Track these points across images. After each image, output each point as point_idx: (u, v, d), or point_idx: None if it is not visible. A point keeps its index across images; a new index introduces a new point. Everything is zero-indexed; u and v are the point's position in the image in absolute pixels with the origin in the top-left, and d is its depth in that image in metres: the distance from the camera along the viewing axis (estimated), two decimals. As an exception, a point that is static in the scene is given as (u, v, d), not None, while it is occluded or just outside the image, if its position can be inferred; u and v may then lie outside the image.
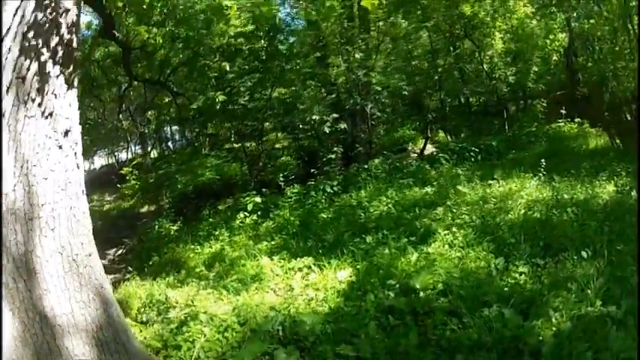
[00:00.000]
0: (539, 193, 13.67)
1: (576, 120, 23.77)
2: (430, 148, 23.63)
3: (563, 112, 23.96)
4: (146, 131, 31.79)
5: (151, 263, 14.57)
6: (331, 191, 16.68)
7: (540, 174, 14.72)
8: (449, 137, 24.61)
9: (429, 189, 15.41)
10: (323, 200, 16.12)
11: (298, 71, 20.22)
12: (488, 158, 19.74)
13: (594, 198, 13.44)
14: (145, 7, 13.62)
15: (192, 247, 14.59)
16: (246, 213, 16.00)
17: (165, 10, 16.64)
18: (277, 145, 25.19)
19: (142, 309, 9.80)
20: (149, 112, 27.12)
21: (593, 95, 24.65)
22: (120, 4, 13.66)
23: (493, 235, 10.84)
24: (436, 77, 23.93)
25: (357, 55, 20.08)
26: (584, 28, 24.99)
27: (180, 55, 20.26)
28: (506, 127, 24.45)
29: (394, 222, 12.68)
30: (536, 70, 25.25)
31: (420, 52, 25.99)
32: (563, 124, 23.79)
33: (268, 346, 7.38)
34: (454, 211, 12.81)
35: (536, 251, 10.01)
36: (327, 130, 20.05)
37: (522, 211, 12.29)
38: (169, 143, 35.55)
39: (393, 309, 8.09)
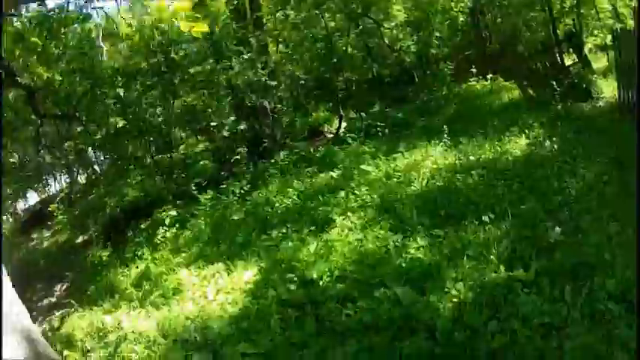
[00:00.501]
0: (445, 159, 13.44)
1: (488, 77, 22.67)
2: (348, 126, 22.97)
3: (473, 70, 23.40)
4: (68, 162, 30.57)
5: (89, 293, 13.56)
6: (241, 191, 16.11)
7: (445, 139, 14.83)
8: (361, 114, 23.44)
9: (334, 173, 14.86)
10: (235, 202, 15.57)
11: (194, 79, 19.65)
12: (396, 130, 18.94)
13: (503, 155, 13.07)
14: (39, 49, 14.89)
15: (121, 270, 13.94)
16: (165, 228, 15.34)
17: (59, 49, 17.32)
18: (197, 150, 25.15)
19: (84, 339, 9.82)
20: (66, 144, 25.88)
21: (506, 49, 24.15)
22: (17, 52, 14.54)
23: (394, 212, 10.63)
24: (334, 59, 22.96)
25: (245, 56, 19.65)
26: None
27: (79, 88, 19.40)
28: (418, 96, 24.27)
29: (298, 213, 12.50)
30: (439, 35, 24.94)
31: (321, 37, 24.92)
32: (475, 82, 23.04)
33: (186, 354, 7.71)
34: (356, 192, 12.48)
35: (436, 222, 9.78)
36: (225, 133, 19.93)
37: (425, 182, 12.07)
38: (96, 167, 34.19)
39: (292, 302, 8.20)
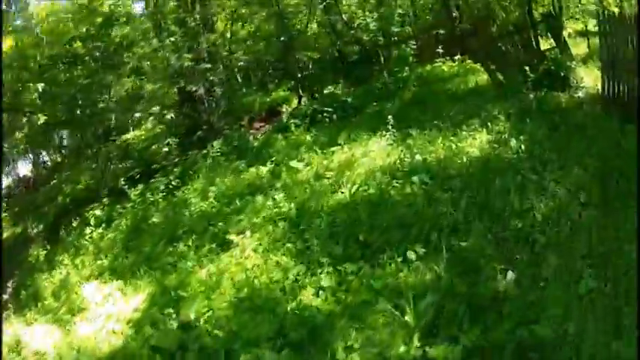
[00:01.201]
0: (387, 156, 11.51)
1: (456, 58, 20.57)
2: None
3: (439, 51, 21.19)
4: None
5: (21, 298, 13.19)
6: (169, 187, 15.21)
7: (392, 130, 12.86)
8: (314, 96, 22.60)
9: (263, 169, 13.49)
10: (160, 200, 14.58)
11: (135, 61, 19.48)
12: (344, 116, 17.13)
13: (457, 155, 10.44)
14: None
15: (46, 275, 13.32)
16: (91, 227, 14.91)
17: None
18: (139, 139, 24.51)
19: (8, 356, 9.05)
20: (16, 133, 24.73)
21: (478, 30, 21.30)
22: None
23: (307, 231, 8.99)
24: (283, 38, 22.19)
25: (172, 38, 18.70)
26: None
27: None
28: (380, 77, 21.39)
29: (209, 222, 11.26)
30: (402, 12, 22.86)
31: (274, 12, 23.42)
32: (441, 63, 20.64)
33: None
34: (275, 198, 11.06)
35: (350, 252, 7.90)
36: (149, 124, 20.00)
37: (354, 189, 10.11)
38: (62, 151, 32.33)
39: (163, 348, 7.15)
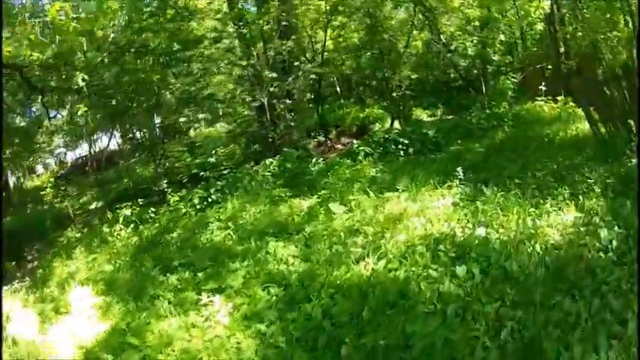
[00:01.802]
0: (446, 220, 8.95)
1: (559, 98, 17.84)
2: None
3: (542, 88, 18.29)
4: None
5: (36, 276, 12.74)
6: (208, 200, 13.61)
7: (465, 183, 10.57)
8: (400, 120, 20.70)
9: (306, 203, 11.66)
10: (192, 212, 13.29)
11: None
12: (423, 151, 14.95)
13: (530, 239, 7.58)
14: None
15: (63, 262, 12.74)
16: (120, 226, 14.03)
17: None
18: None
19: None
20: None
21: (584, 69, 18.56)
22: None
23: (295, 309, 6.96)
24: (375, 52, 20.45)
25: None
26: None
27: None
28: (474, 107, 19.12)
29: (209, 259, 9.60)
30: (505, 39, 20.29)
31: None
32: (542, 102, 17.98)
33: None
34: (293, 247, 9.19)
35: None
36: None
37: (382, 264, 7.62)
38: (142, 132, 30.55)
39: None
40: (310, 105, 22.06)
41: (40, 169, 38.10)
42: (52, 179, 22.56)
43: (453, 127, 17.00)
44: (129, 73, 16.60)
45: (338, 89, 28.68)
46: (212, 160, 16.09)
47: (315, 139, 21.93)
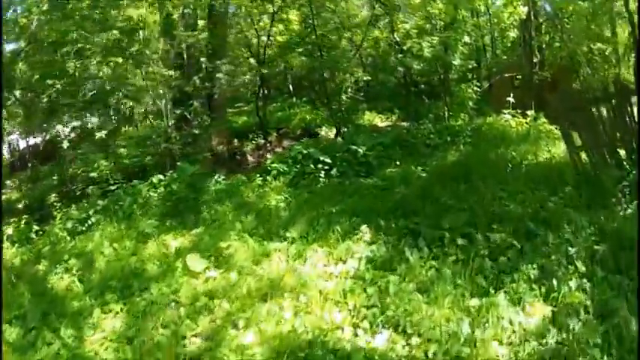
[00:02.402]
0: (338, 303, 5.90)
1: (529, 113, 14.42)
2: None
3: (510, 100, 14.97)
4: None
5: None
6: (84, 224, 10.14)
7: (382, 235, 7.30)
8: (340, 128, 16.83)
9: (177, 242, 8.61)
10: (68, 237, 9.76)
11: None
12: (347, 174, 11.40)
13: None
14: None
15: None
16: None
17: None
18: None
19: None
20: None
21: (559, 82, 15.37)
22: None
23: None
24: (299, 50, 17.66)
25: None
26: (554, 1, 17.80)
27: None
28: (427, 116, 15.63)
29: (45, 314, 6.88)
30: (469, 41, 16.93)
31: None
32: (509, 116, 14.60)
33: None
34: (119, 320, 6.46)
35: None
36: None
37: None
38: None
39: None
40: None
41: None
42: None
43: (396, 141, 13.25)
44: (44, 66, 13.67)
45: (290, 88, 25.56)
46: (96, 173, 12.61)
47: (253, 142, 18.84)
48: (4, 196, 18.00)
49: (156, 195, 10.55)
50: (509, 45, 20.37)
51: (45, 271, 8.38)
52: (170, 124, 12.86)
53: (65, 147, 13.93)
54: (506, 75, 17.17)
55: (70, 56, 12.69)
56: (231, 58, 18.62)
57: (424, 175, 10.21)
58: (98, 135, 12.69)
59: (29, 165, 18.35)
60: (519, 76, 17.15)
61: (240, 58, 20.30)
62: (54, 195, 12.48)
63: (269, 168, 11.57)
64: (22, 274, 8.82)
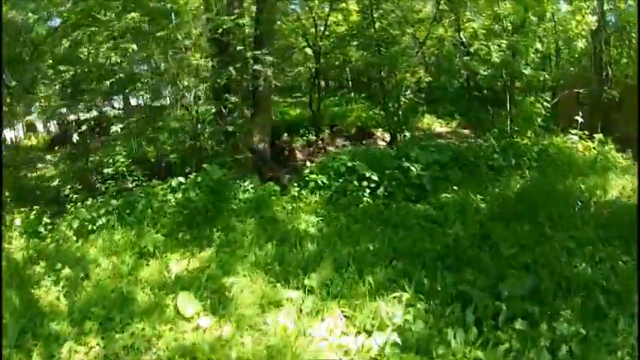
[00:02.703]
0: None
1: (597, 136, 12.72)
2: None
3: (579, 119, 13.04)
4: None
5: None
6: (93, 225, 8.65)
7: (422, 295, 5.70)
8: (397, 133, 15.75)
9: (179, 267, 7.16)
10: (74, 237, 8.40)
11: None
12: (395, 196, 9.55)
13: None
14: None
15: None
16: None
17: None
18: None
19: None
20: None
21: (625, 102, 14.24)
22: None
23: None
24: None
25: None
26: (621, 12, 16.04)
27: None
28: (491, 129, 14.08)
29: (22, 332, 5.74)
30: (540, 48, 14.81)
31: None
32: (575, 138, 12.83)
33: None
34: None
35: None
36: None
37: None
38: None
39: None
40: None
41: (40, 126, 33.89)
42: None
43: (455, 159, 11.31)
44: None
45: (349, 82, 24.58)
46: (111, 169, 11.07)
47: (304, 138, 17.93)
48: (37, 172, 17.40)
49: (173, 200, 9.07)
50: (576, 56, 18.58)
51: (39, 276, 7.16)
52: (200, 119, 11.31)
53: (77, 137, 12.64)
54: (576, 90, 15.39)
55: (84, 41, 11.29)
56: (283, 46, 17.36)
57: (483, 205, 8.73)
58: (113, 129, 11.06)
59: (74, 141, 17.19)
60: (584, 91, 15.52)
61: (294, 47, 19.04)
62: (69, 187, 10.87)
63: (307, 179, 9.88)
64: (17, 274, 7.56)
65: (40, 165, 18.65)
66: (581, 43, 16.40)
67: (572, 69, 18.05)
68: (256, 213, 8.64)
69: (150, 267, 7.14)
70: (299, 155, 17.00)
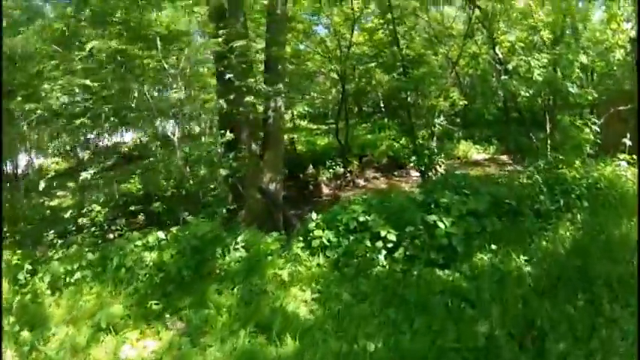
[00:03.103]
0: None
1: None
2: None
3: (627, 142, 11.12)
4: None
5: None
6: (69, 278, 7.41)
7: None
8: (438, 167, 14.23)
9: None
10: (48, 292, 7.27)
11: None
12: (417, 260, 7.42)
13: None
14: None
15: None
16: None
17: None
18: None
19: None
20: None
21: None
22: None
23: None
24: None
25: None
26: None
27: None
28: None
29: None
30: (585, 62, 12.14)
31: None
32: (624, 165, 10.58)
33: None
34: None
35: None
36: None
37: None
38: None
39: None
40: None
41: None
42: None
43: (494, 204, 8.84)
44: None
45: (382, 106, 22.67)
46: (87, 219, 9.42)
47: (331, 170, 16.45)
48: (54, 201, 16.15)
49: (149, 259, 7.36)
50: (614, 69, 16.12)
51: (6, 334, 6.23)
52: (189, 158, 9.51)
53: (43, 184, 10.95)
54: (620, 108, 13.03)
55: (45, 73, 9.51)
56: (307, 70, 15.71)
57: (528, 269, 6.85)
58: (83, 175, 9.31)
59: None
60: (628, 109, 12.94)
61: (318, 71, 17.37)
62: (52, 232, 9.47)
63: (311, 235, 7.94)
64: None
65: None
66: (618, 54, 14.08)
67: (609, 82, 15.74)
68: (244, 280, 6.94)
69: (104, 346, 5.89)
70: (325, 190, 15.74)
